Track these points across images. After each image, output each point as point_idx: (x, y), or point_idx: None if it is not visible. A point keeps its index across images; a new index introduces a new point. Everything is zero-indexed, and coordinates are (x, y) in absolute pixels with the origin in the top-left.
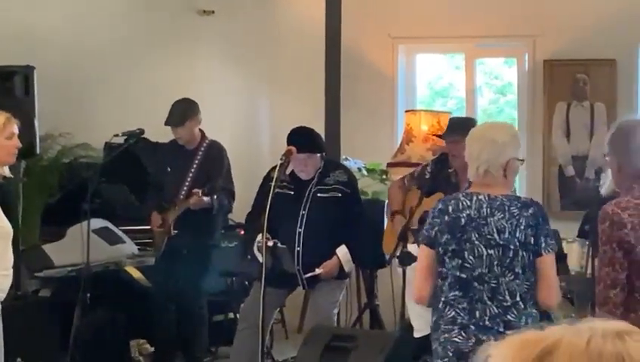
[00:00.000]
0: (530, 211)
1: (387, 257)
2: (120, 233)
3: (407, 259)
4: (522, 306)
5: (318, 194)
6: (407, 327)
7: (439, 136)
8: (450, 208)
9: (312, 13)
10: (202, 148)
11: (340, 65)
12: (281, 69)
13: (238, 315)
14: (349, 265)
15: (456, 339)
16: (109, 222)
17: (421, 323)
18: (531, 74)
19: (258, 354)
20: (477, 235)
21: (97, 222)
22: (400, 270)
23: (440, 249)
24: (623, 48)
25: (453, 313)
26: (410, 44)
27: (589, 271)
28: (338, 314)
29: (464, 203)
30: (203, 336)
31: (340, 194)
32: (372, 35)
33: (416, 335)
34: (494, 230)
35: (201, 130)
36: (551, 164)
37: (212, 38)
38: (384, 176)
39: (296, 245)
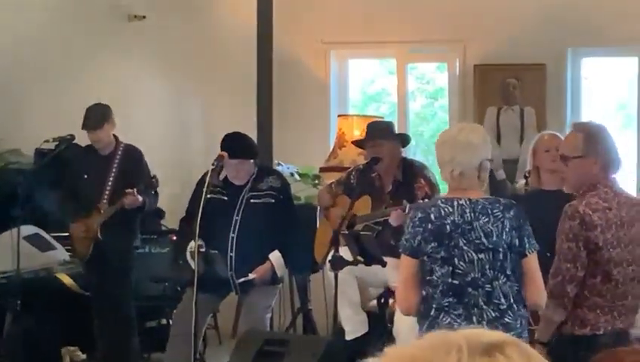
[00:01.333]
0: (512, 213)
1: (319, 263)
2: (51, 240)
3: (339, 264)
4: (516, 308)
5: (252, 200)
6: (340, 331)
7: (358, 144)
8: (433, 216)
9: (244, 19)
10: (119, 153)
11: (272, 71)
12: (213, 74)
13: (170, 321)
14: (281, 270)
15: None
16: (39, 228)
17: (352, 326)
18: (462, 78)
19: (191, 360)
20: (465, 241)
21: (28, 229)
22: (332, 274)
23: (426, 258)
24: (552, 53)
25: (449, 319)
26: (342, 50)
27: None
28: (271, 318)
29: (446, 209)
30: (133, 342)
31: (273, 200)
32: (304, 41)
33: (348, 338)
34: (482, 234)
35: (114, 134)
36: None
37: (143, 43)
38: (317, 181)
39: (230, 250)
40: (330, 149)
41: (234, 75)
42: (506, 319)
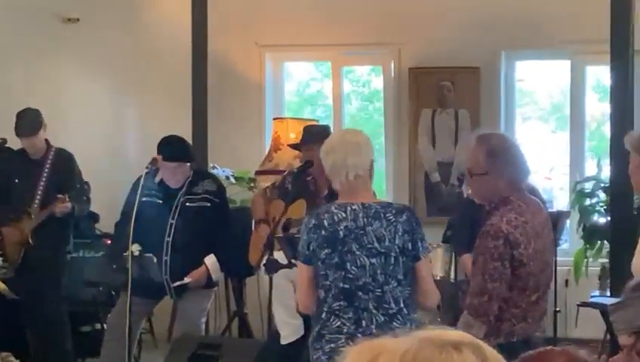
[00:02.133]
0: (405, 217)
1: (254, 267)
2: None
3: (273, 267)
4: (406, 312)
5: (187, 204)
6: (275, 334)
7: (294, 147)
8: (326, 222)
9: (179, 21)
10: (50, 157)
11: (207, 74)
12: (149, 77)
13: (105, 326)
14: (217, 274)
15: (344, 349)
16: None
17: (287, 330)
18: (397, 81)
19: None
20: (358, 246)
21: None
22: (267, 277)
23: (320, 263)
24: (485, 56)
25: (339, 322)
26: (277, 52)
27: (453, 275)
28: (207, 322)
29: (339, 215)
30: (66, 347)
31: (208, 204)
32: (239, 43)
33: (283, 342)
34: (374, 239)
35: (46, 138)
36: (417, 170)
37: (77, 46)
38: (252, 184)
39: (164, 254)
40: (266, 152)
41: (169, 77)
42: (394, 324)
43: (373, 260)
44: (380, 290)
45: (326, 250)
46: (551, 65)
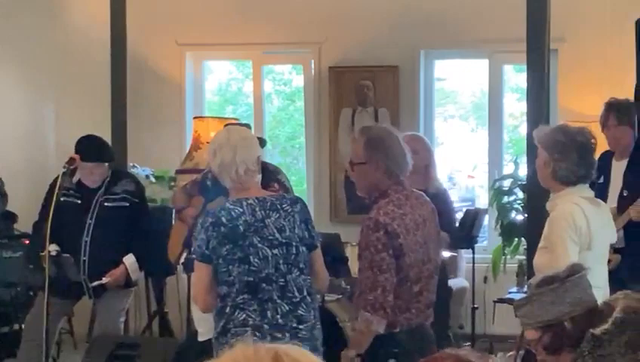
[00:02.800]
0: (299, 207)
1: (173, 263)
2: None
3: (192, 266)
4: (310, 300)
5: (105, 204)
6: (194, 333)
7: None
8: (224, 219)
9: (97, 20)
10: None
11: (126, 72)
12: (67, 75)
13: (22, 326)
14: (136, 274)
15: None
16: None
17: (205, 327)
18: (317, 80)
19: None
20: (259, 238)
21: None
22: (186, 276)
23: (221, 260)
24: (404, 55)
25: (244, 315)
26: (197, 51)
27: None
28: (128, 322)
29: (236, 210)
30: None
31: (127, 204)
32: (159, 42)
33: (201, 338)
34: (274, 230)
35: None
36: (337, 169)
37: None
38: (173, 183)
39: (83, 254)
40: (186, 151)
41: (88, 76)
42: (299, 311)
43: (276, 251)
44: (283, 280)
45: (227, 246)
46: (471, 65)
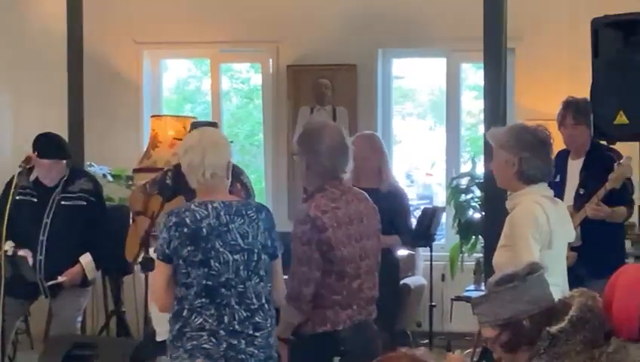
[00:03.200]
0: (264, 215)
1: (130, 262)
2: None
3: (149, 265)
4: (267, 308)
5: (62, 202)
6: (151, 332)
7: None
8: (188, 220)
9: (54, 18)
10: None
11: (83, 71)
12: (23, 73)
13: None
14: (92, 273)
15: (207, 346)
16: None
17: (163, 326)
18: (275, 79)
19: None
20: (221, 243)
21: None
22: (143, 276)
23: (182, 261)
24: (362, 54)
25: (201, 319)
26: (155, 50)
27: None
28: (85, 321)
29: (201, 213)
30: None
31: (84, 203)
32: (116, 40)
33: (158, 338)
34: (237, 236)
35: None
36: (295, 167)
37: None
38: (130, 182)
39: (39, 253)
40: (144, 150)
41: (44, 74)
42: (256, 319)
43: (237, 256)
44: (242, 286)
45: (189, 248)
46: (429, 63)
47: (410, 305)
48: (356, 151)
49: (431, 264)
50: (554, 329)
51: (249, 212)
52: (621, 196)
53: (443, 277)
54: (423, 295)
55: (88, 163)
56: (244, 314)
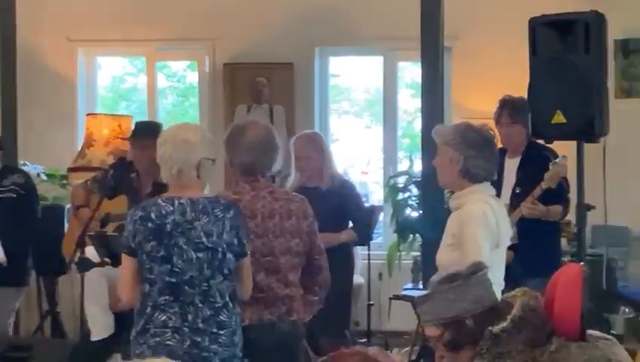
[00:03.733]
0: (232, 213)
1: (67, 261)
2: None
3: (85, 265)
4: (232, 306)
5: None
6: (88, 333)
7: (125, 139)
8: (153, 215)
9: None
10: None
11: (16, 69)
12: None
13: None
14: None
15: (170, 342)
16: None
17: (99, 327)
18: (212, 77)
19: None
20: (185, 240)
21: None
22: (79, 275)
23: (145, 256)
24: (300, 52)
25: (165, 317)
26: (90, 47)
27: None
28: (18, 322)
29: (167, 208)
30: None
31: (14, 195)
32: (50, 38)
33: (94, 338)
34: (202, 233)
35: None
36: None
37: None
38: (65, 181)
39: None
40: (78, 149)
41: None
42: (220, 317)
43: (201, 254)
44: (206, 284)
45: (152, 243)
46: (366, 62)
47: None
48: (298, 151)
49: (369, 263)
50: (496, 328)
51: (216, 210)
52: (557, 194)
53: (381, 276)
54: (360, 294)
55: (22, 161)
56: (209, 313)
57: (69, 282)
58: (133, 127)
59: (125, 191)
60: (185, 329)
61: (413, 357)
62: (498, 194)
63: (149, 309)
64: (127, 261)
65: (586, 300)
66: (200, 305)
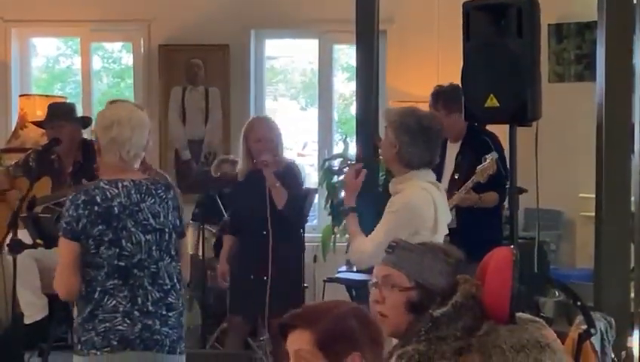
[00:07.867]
0: (172, 194)
1: None
2: None
3: (17, 247)
4: (178, 287)
5: None
6: (20, 316)
7: (38, 125)
8: (98, 198)
9: None
10: None
11: None
12: None
13: None
14: None
15: (121, 327)
16: None
17: (32, 310)
18: (147, 58)
19: None
20: (133, 222)
21: None
22: (10, 258)
23: (91, 240)
24: (235, 34)
25: (114, 301)
26: (23, 28)
27: (201, 253)
28: None
29: (111, 191)
30: None
31: None
32: None
33: (27, 321)
34: (149, 215)
35: None
36: (167, 148)
37: None
38: None
39: None
40: (12, 130)
41: None
42: (169, 299)
43: (149, 236)
44: (155, 266)
45: (99, 227)
46: (301, 44)
47: None
48: (260, 133)
49: (303, 245)
50: (437, 312)
51: (159, 191)
52: (494, 180)
53: (315, 259)
54: None
55: None
56: (158, 295)
57: (1, 265)
58: (47, 111)
59: (48, 174)
60: (135, 313)
61: None
62: (439, 179)
63: (97, 294)
64: (68, 246)
65: (517, 283)
66: (149, 287)
